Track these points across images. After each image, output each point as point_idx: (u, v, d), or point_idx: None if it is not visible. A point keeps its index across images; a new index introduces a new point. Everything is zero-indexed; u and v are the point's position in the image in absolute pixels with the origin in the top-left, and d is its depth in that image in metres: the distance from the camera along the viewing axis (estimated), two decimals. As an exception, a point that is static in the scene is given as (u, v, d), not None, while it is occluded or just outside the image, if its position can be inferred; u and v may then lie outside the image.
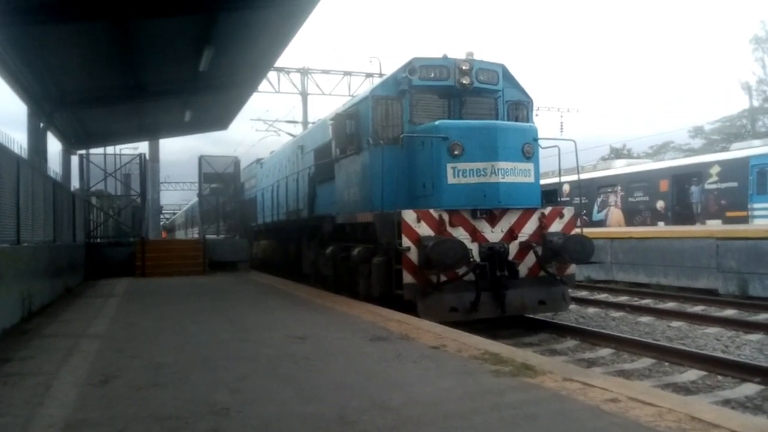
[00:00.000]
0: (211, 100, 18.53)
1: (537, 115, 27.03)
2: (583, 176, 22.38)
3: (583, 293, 14.33)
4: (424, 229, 8.56)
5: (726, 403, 5.69)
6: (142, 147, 25.39)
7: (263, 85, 23.19)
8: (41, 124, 15.16)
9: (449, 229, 8.66)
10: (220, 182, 22.20)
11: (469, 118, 9.88)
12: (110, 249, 18.11)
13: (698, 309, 11.68)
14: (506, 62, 10.35)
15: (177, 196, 63.72)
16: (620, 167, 25.24)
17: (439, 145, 8.86)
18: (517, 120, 10.35)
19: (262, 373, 4.98)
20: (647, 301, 12.90)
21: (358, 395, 4.25)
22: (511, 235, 9.03)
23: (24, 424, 3.82)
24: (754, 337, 8.86)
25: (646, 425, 3.49)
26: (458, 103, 10.06)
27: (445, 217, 8.68)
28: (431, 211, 8.67)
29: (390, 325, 7.17)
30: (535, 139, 9.42)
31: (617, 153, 46.79)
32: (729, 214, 19.45)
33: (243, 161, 23.51)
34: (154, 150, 24.16)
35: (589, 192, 24.75)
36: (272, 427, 3.65)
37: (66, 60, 13.10)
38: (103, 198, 21.14)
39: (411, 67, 9.65)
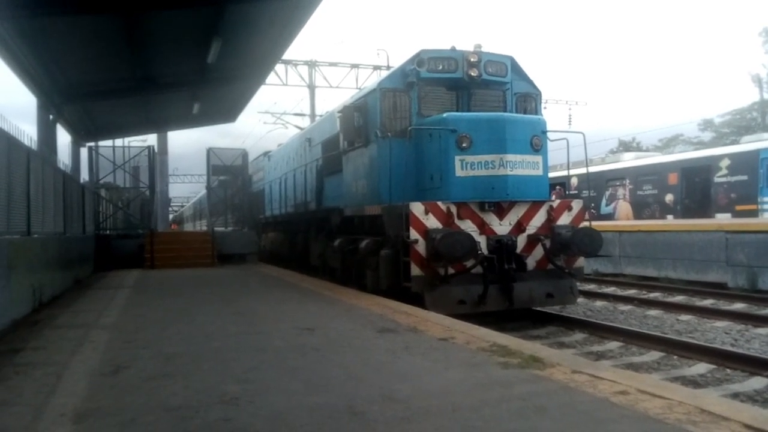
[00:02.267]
0: (219, 92, 18.56)
1: (545, 107, 26.94)
2: (592, 169, 22.25)
3: (591, 286, 14.30)
4: (432, 222, 8.55)
5: (735, 396, 5.68)
6: (151, 139, 25.56)
7: (271, 78, 23.23)
8: (50, 116, 15.23)
9: (457, 221, 8.66)
10: (228, 175, 22.24)
11: (477, 110, 9.86)
12: (119, 241, 18.24)
13: (707, 302, 11.63)
14: (515, 54, 10.32)
15: (185, 189, 64.00)
16: (629, 160, 25.07)
17: (447, 137, 8.84)
18: (525, 112, 10.31)
19: (271, 364, 5.01)
20: (656, 295, 12.86)
21: (366, 386, 4.27)
22: (519, 227, 9.01)
23: (35, 413, 3.86)
24: (764, 330, 8.83)
25: (655, 417, 3.49)
26: (466, 96, 10.03)
27: (453, 209, 8.67)
28: (439, 203, 8.66)
29: (398, 317, 7.18)
30: (544, 132, 9.38)
31: (626, 146, 46.52)
32: (738, 207, 19.31)
33: (251, 154, 23.55)
34: (163, 142, 24.24)
35: (598, 185, 24.63)
36: (281, 417, 3.67)
37: (75, 52, 13.14)
38: (113, 190, 21.23)
39: (419, 59, 9.62)
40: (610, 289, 13.97)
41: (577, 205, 9.54)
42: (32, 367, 5.12)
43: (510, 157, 8.79)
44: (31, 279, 8.55)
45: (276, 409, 3.82)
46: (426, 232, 8.48)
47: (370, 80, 25.21)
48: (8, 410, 3.94)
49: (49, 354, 5.66)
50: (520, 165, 8.88)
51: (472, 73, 9.76)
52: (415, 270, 8.49)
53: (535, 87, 10.62)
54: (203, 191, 30.11)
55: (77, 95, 15.82)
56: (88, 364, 5.16)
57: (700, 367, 6.75)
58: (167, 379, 4.59)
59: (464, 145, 8.77)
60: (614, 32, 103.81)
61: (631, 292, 13.45)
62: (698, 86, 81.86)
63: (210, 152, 21.46)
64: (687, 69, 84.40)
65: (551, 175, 9.93)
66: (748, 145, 20.07)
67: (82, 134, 20.46)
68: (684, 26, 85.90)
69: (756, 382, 6.14)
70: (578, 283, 9.96)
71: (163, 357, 5.35)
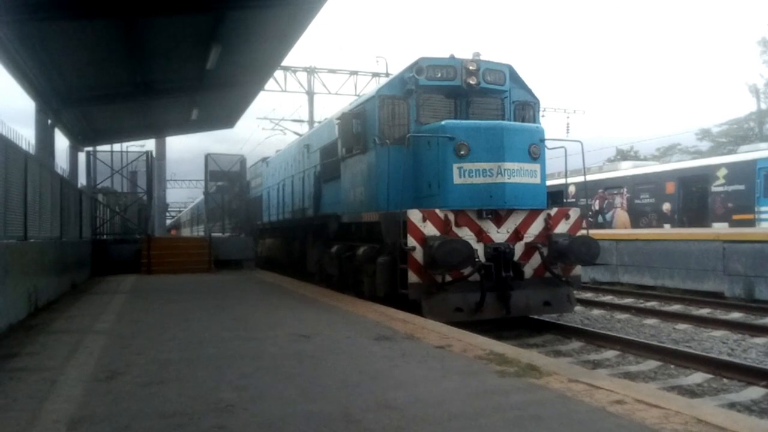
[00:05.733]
0: (218, 98, 18.58)
1: (543, 116, 27.02)
2: (590, 178, 22.32)
3: (588, 295, 14.29)
4: (430, 229, 8.55)
5: (732, 406, 5.67)
6: (149, 144, 25.56)
7: (270, 84, 23.22)
8: (49, 121, 15.23)
9: (455, 229, 8.65)
10: (226, 180, 22.25)
11: (475, 118, 9.87)
12: (116, 246, 18.19)
13: (704, 312, 11.62)
14: (513, 63, 10.35)
15: (183, 194, 64.01)
16: (626, 169, 25.15)
17: (446, 145, 8.85)
18: (523, 121, 10.33)
19: (267, 371, 4.99)
20: (653, 304, 12.85)
21: (362, 394, 4.25)
22: (517, 235, 9.01)
23: (30, 418, 3.84)
24: (761, 340, 8.82)
25: (652, 427, 3.48)
26: (465, 104, 10.05)
27: (451, 217, 8.67)
28: (437, 211, 8.66)
29: (395, 325, 7.17)
30: (542, 140, 9.39)
31: (624, 155, 46.63)
32: (735, 216, 19.36)
33: (249, 160, 23.57)
34: (161, 148, 24.24)
35: (595, 193, 24.68)
36: (277, 424, 3.65)
37: (74, 57, 13.16)
38: (110, 195, 21.22)
39: (418, 66, 9.64)
40: (608, 298, 13.96)
41: (574, 213, 9.55)
42: (27, 372, 5.10)
43: (508, 165, 8.80)
44: (28, 284, 8.52)
45: (271, 416, 3.80)
46: (423, 240, 8.47)
47: (369, 87, 25.28)
48: (2, 416, 3.92)
49: (44, 359, 5.64)
50: (518, 173, 8.89)
51: (471, 81, 9.79)
52: (413, 277, 8.47)
53: (533, 95, 10.65)
54: (201, 197, 30.10)
55: (76, 100, 15.83)
56: (83, 370, 5.13)
57: (697, 377, 6.74)
58: (162, 385, 4.58)
59: (462, 152, 8.78)
60: (613, 41, 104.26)
61: (628, 300, 13.44)
62: (696, 96, 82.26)
63: (208, 158, 21.47)
64: (685, 79, 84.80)
65: (548, 183, 9.94)
66: (745, 154, 20.15)
67: (80, 139, 20.46)
68: (682, 36, 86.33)
69: (753, 392, 6.12)
70: (575, 292, 9.96)
71: (158, 363, 5.33)
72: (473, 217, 8.81)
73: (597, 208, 24.75)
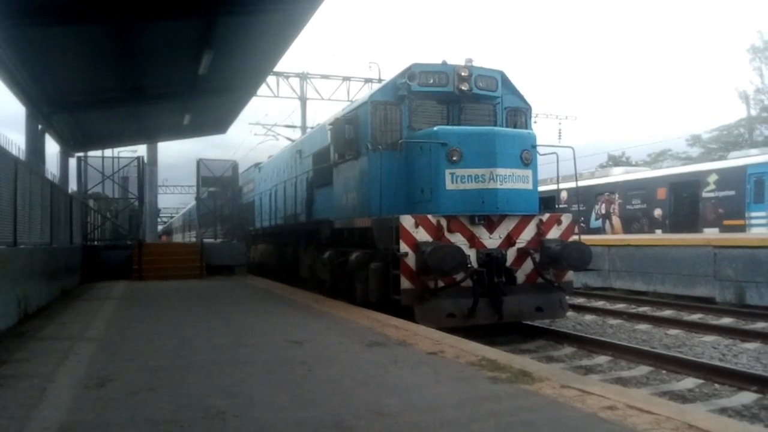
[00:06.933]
0: (210, 103, 18.51)
1: (535, 122, 27.14)
2: (581, 183, 22.40)
3: (580, 300, 14.33)
4: (422, 235, 8.55)
5: (723, 411, 5.68)
6: (141, 150, 25.42)
7: (262, 90, 23.20)
8: (39, 126, 15.13)
9: (447, 234, 8.66)
10: (218, 186, 22.20)
11: (467, 124, 9.90)
12: (107, 252, 18.09)
13: (695, 317, 11.67)
14: (505, 69, 10.40)
15: (174, 200, 63.69)
16: (618, 175, 25.29)
17: (438, 150, 8.87)
18: (515, 126, 10.36)
19: (259, 378, 4.97)
20: (644, 309, 12.89)
21: (354, 401, 4.24)
22: (509, 241, 9.02)
23: (19, 426, 3.80)
24: (751, 345, 8.86)
25: (643, 433, 3.48)
26: (457, 109, 10.08)
27: (443, 222, 8.67)
28: (429, 216, 8.66)
29: (387, 331, 7.15)
30: (534, 146, 9.42)
31: (615, 160, 46.92)
32: (726, 222, 19.49)
33: (241, 165, 23.52)
34: (153, 153, 24.11)
35: (587, 199, 24.79)
36: (268, 432, 3.63)
37: (65, 62, 13.09)
38: (101, 201, 21.10)
39: (410, 72, 9.67)
40: (600, 303, 13.99)
41: (566, 219, 9.57)
42: (16, 379, 5.05)
43: (500, 170, 8.82)
44: (17, 290, 8.45)
45: (262, 423, 3.78)
46: (416, 245, 8.47)
47: (362, 93, 25.29)
48: (-10, 424, 3.88)
49: (33, 366, 5.59)
50: (510, 179, 8.91)
51: (463, 87, 9.82)
52: (405, 283, 8.47)
53: (525, 101, 10.69)
54: (193, 202, 30.02)
55: (67, 105, 15.73)
56: (73, 377, 5.09)
57: (688, 382, 6.76)
58: (153, 392, 4.54)
59: (454, 158, 8.80)
60: (604, 48, 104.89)
61: (620, 306, 13.48)
62: (686, 102, 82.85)
63: (200, 163, 21.42)
64: (675, 85, 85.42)
65: (540, 188, 9.97)
66: (735, 160, 20.31)
67: (71, 144, 20.33)
68: (673, 42, 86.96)
69: (744, 397, 6.14)
70: (567, 297, 9.98)
71: (148, 370, 5.30)
72: (465, 223, 8.82)
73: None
